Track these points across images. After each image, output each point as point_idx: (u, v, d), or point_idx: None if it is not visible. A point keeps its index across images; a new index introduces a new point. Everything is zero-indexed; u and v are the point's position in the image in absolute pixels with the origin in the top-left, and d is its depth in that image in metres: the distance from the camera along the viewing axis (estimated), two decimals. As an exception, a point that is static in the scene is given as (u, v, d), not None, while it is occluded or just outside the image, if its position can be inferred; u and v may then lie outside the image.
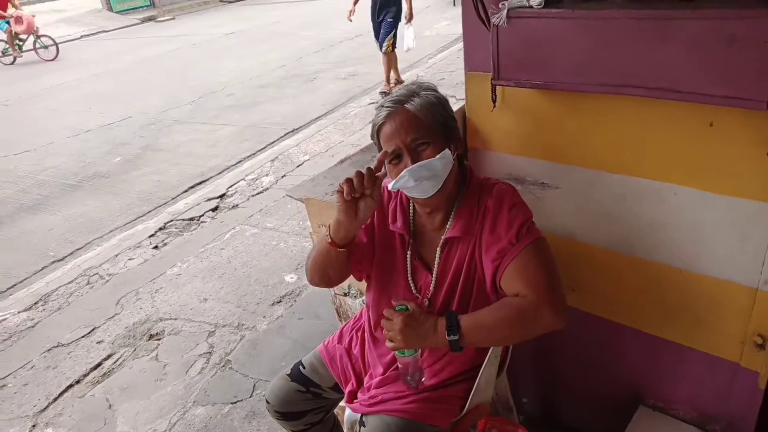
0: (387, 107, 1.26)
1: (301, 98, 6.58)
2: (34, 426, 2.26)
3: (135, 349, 2.63)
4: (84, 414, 2.29)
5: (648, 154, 1.33)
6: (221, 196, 4.20)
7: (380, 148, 1.29)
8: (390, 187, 1.28)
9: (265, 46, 9.89)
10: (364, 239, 1.42)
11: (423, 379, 1.33)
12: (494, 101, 1.49)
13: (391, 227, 1.40)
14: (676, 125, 1.26)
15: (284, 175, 4.45)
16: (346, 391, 1.49)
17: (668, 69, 1.13)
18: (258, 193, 4.21)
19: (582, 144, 1.43)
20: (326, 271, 1.40)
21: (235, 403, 2.24)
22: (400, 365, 1.30)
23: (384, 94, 5.87)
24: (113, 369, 2.52)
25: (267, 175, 4.50)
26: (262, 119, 6.00)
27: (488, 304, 1.27)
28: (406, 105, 1.25)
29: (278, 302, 2.86)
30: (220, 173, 4.78)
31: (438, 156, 1.23)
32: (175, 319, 2.81)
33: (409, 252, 1.38)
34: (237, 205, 4.05)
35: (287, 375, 1.56)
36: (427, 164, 1.23)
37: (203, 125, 6.07)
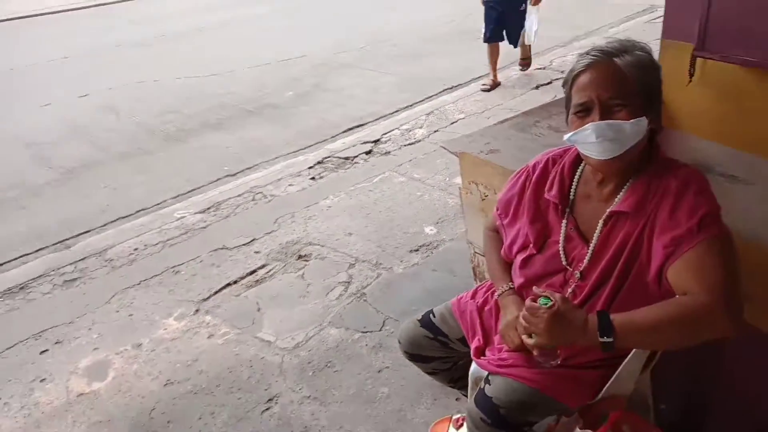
0: (593, 56, 1.19)
1: (465, 56, 6.48)
2: (197, 311, 2.63)
3: (285, 265, 2.91)
4: (237, 311, 2.61)
5: None
6: (375, 141, 4.36)
7: (569, 99, 1.23)
8: (565, 137, 1.23)
9: (436, 1, 9.81)
10: (512, 225, 1.43)
11: (557, 362, 1.28)
12: (691, 75, 1.36)
13: (546, 195, 1.36)
14: None
15: (437, 130, 4.49)
16: (473, 346, 1.51)
17: None
18: (410, 144, 4.30)
19: (795, 139, 1.26)
20: None
21: (365, 332, 2.40)
22: (536, 351, 1.25)
23: (489, 88, 5.17)
24: (265, 278, 2.82)
25: (421, 127, 4.58)
26: (423, 72, 6.05)
27: (643, 292, 1.20)
28: (615, 58, 1.17)
29: (416, 250, 2.96)
30: (377, 119, 4.95)
31: (632, 121, 1.14)
32: (322, 246, 3.05)
33: (564, 221, 1.33)
34: (389, 152, 4.19)
35: (417, 320, 1.64)
36: (616, 125, 1.15)
37: (368, 71, 6.28)
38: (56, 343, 2.48)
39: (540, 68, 5.57)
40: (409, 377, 2.13)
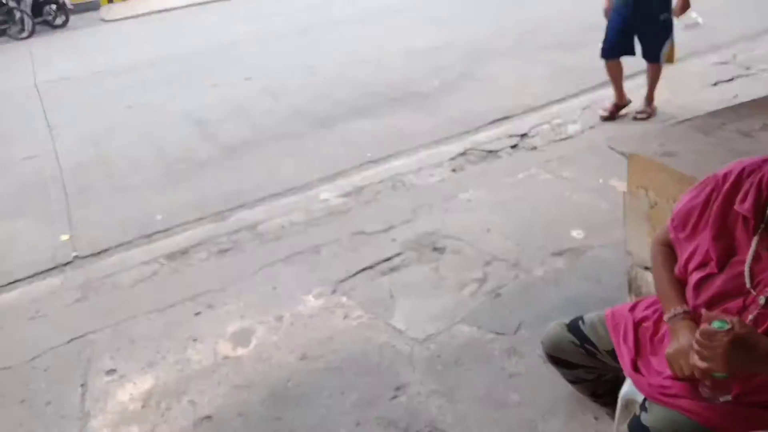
0: None
1: (629, 46, 5.95)
2: (334, 291, 2.70)
3: (420, 255, 2.88)
4: (371, 295, 2.64)
5: None
6: (522, 135, 4.17)
7: None
8: None
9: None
10: (690, 239, 1.27)
11: (727, 399, 1.13)
12: None
13: (736, 207, 1.19)
14: None
15: (592, 126, 4.18)
16: (627, 358, 1.38)
17: None
18: (560, 140, 4.05)
19: None
20: None
21: (499, 334, 2.29)
22: (707, 382, 1.12)
23: (643, 116, 4.16)
24: (399, 266, 2.82)
25: (574, 122, 4.28)
26: (581, 63, 5.62)
27: None
28: None
29: (559, 254, 2.77)
30: (525, 112, 4.72)
31: None
32: (459, 239, 2.97)
33: (756, 238, 1.16)
34: (536, 147, 3.98)
35: (565, 324, 1.57)
36: None
37: (520, 61, 6.02)
38: (208, 307, 2.71)
39: (721, 63, 4.92)
40: (543, 387, 1.99)
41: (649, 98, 4.22)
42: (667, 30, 3.97)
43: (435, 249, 2.94)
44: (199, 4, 12.31)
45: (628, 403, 1.43)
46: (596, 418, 1.84)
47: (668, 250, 1.40)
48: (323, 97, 5.72)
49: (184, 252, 3.22)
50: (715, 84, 4.55)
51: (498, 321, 2.37)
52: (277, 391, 2.17)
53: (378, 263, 2.86)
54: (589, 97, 4.71)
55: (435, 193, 3.48)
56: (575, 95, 4.85)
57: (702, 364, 1.07)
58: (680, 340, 1.22)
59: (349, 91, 5.76)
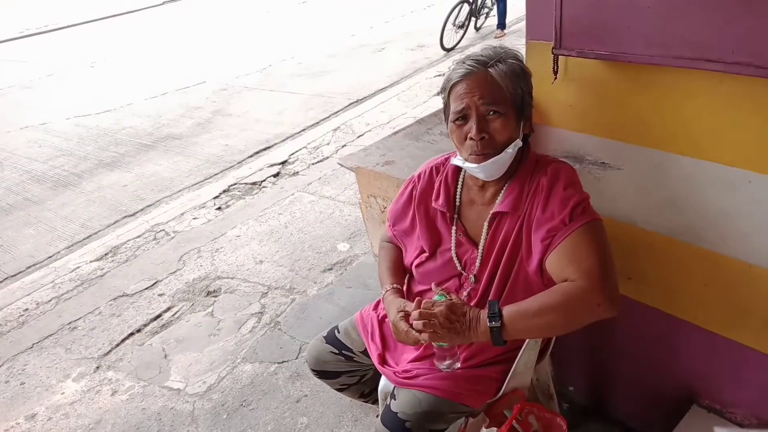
0: (468, 65, 1.21)
1: (368, 68, 6.55)
2: (97, 368, 2.42)
3: (193, 304, 2.75)
4: (142, 361, 2.43)
5: (722, 136, 1.21)
6: (283, 163, 4.28)
7: (447, 105, 1.26)
8: (454, 160, 1.28)
9: (338, 15, 9.89)
10: (408, 235, 1.43)
11: (457, 366, 1.30)
12: (555, 73, 1.40)
13: (433, 204, 1.38)
14: (758, 106, 1.13)
15: (344, 145, 4.47)
16: (374, 354, 1.49)
17: (753, 42, 1.01)
18: (318, 162, 4.25)
19: (649, 122, 1.33)
20: None
21: (282, 363, 2.30)
22: (436, 351, 1.28)
23: None
24: (171, 321, 2.65)
25: (328, 144, 4.54)
26: (328, 89, 6.03)
27: (527, 286, 1.24)
28: (489, 68, 1.20)
29: (329, 269, 2.90)
30: (283, 140, 4.86)
31: (509, 149, 1.20)
32: (232, 278, 2.91)
33: (453, 227, 1.35)
34: (297, 173, 4.11)
35: (323, 337, 1.62)
36: (499, 159, 1.20)
37: (272, 93, 6.17)
38: (-68, 429, 2.21)
39: (439, 75, 5.70)
40: (327, 402, 2.06)
41: None
42: None
43: (209, 294, 2.83)
44: None
45: (386, 396, 1.51)
46: (378, 416, 1.96)
47: (389, 245, 1.55)
48: (62, 155, 5.12)
49: None
50: (438, 93, 5.23)
51: (280, 350, 2.38)
52: (39, 503, 1.86)
53: (146, 324, 2.65)
54: (338, 119, 5.04)
55: (202, 236, 3.36)
56: (326, 119, 5.15)
57: (423, 336, 1.20)
58: (390, 314, 1.35)
59: (93, 143, 5.26)
